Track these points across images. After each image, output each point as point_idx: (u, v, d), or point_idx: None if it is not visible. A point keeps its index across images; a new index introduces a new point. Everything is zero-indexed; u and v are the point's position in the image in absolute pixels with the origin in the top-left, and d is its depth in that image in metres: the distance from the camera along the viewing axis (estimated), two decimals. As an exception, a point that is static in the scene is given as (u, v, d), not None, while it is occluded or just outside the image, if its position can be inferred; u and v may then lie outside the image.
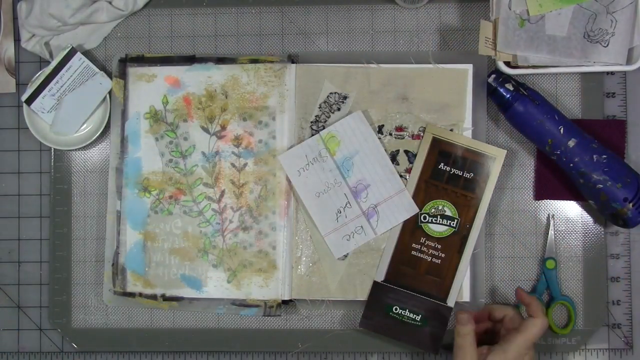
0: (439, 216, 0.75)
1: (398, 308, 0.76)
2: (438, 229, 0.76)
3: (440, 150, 0.77)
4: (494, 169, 0.76)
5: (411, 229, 0.77)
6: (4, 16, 0.84)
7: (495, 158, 0.76)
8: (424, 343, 0.76)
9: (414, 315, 0.76)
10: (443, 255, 0.75)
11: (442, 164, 0.76)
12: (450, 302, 0.75)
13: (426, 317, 0.76)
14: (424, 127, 0.79)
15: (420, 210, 0.76)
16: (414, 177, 0.77)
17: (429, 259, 0.76)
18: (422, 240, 0.76)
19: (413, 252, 0.76)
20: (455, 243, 0.75)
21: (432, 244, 0.76)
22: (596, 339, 0.79)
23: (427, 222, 0.76)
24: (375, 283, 0.77)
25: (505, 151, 0.76)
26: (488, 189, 0.75)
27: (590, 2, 0.75)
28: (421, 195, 0.77)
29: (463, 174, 0.75)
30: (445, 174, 0.76)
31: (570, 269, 0.80)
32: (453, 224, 0.75)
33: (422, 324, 0.76)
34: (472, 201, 0.75)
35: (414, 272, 0.76)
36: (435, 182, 0.76)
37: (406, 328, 0.76)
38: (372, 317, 0.77)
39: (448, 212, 0.75)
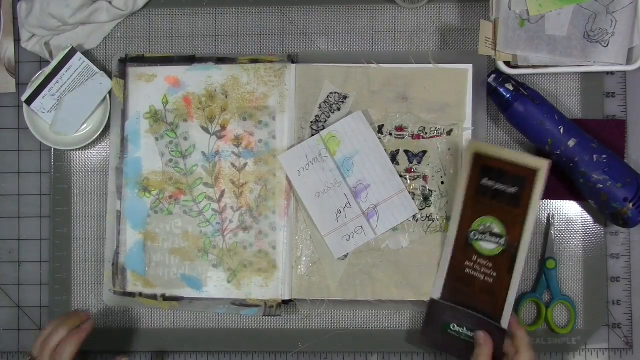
0: (487, 233, 0.73)
1: (455, 325, 0.74)
2: (488, 246, 0.73)
3: (483, 165, 0.74)
4: (538, 182, 0.71)
5: (462, 245, 0.75)
6: (4, 16, 0.84)
7: (538, 170, 0.71)
8: None
9: (472, 333, 0.73)
10: (494, 274, 0.72)
11: (486, 178, 0.73)
12: (504, 323, 0.71)
13: None
14: (424, 127, 0.79)
15: (470, 228, 0.74)
16: (459, 194, 0.75)
17: (482, 277, 0.73)
18: (474, 258, 0.74)
19: (467, 270, 0.74)
20: (505, 262, 0.72)
21: (484, 262, 0.73)
22: (596, 339, 0.79)
23: (477, 239, 0.73)
24: (432, 300, 0.76)
25: (548, 161, 0.71)
26: (533, 203, 0.71)
27: (590, 2, 0.75)
28: (469, 212, 0.74)
29: (507, 188, 0.72)
30: (490, 189, 0.73)
31: (570, 269, 0.80)
32: (502, 241, 0.72)
33: None
34: (517, 217, 0.72)
35: (469, 290, 0.74)
36: (480, 198, 0.74)
37: (464, 345, 0.74)
38: (431, 334, 0.76)
39: (496, 230, 0.72)
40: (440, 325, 0.75)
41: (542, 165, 0.70)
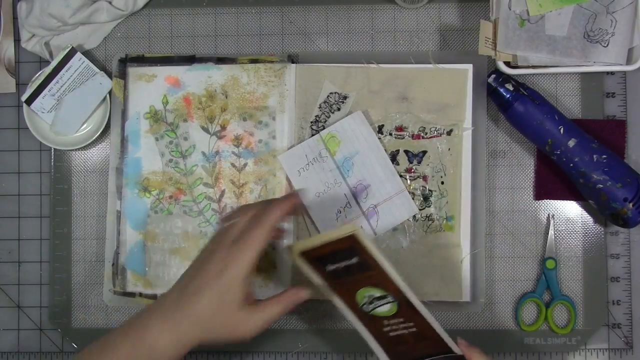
0: (374, 301, 0.67)
1: None
2: (384, 309, 0.67)
3: (315, 257, 0.66)
4: (364, 241, 0.63)
5: (368, 320, 0.69)
6: (4, 16, 0.84)
7: (354, 234, 0.63)
8: None
9: None
10: (411, 323, 0.68)
11: (328, 265, 0.67)
12: (456, 350, 0.68)
13: None
14: (424, 127, 0.79)
15: (359, 306, 0.68)
16: (325, 291, 0.68)
17: (406, 331, 0.68)
18: (385, 322, 0.68)
19: (391, 334, 0.69)
20: (408, 310, 0.67)
21: (395, 321, 0.68)
22: (596, 339, 0.79)
23: (372, 309, 0.68)
24: None
25: (357, 227, 0.63)
26: (378, 257, 0.64)
27: (590, 2, 0.75)
28: (345, 297, 0.68)
29: (349, 262, 0.66)
30: (339, 271, 0.66)
31: (570, 269, 0.80)
32: (390, 299, 0.67)
33: None
34: (380, 275, 0.65)
35: (408, 346, 0.69)
36: (339, 281, 0.67)
37: None
38: None
39: (377, 294, 0.67)
40: None
41: (354, 229, 0.63)
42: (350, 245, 0.64)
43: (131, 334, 0.62)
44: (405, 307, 0.67)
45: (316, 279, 0.68)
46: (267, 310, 0.63)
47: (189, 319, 0.61)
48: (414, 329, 0.67)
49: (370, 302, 0.67)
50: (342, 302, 0.69)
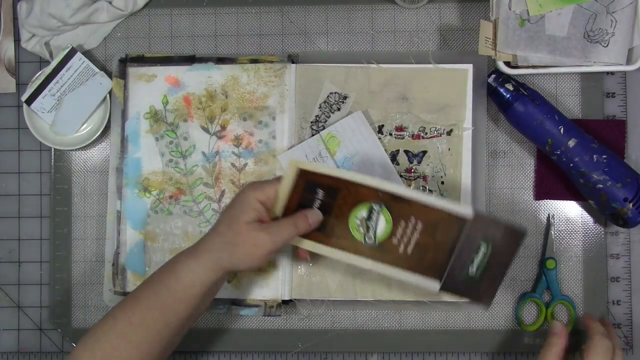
0: (366, 223, 0.66)
1: (483, 247, 0.65)
2: (382, 226, 0.66)
3: (307, 180, 0.66)
4: (313, 167, 0.65)
5: (382, 252, 0.67)
6: (4, 16, 0.84)
7: (297, 167, 0.65)
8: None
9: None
10: (414, 219, 0.65)
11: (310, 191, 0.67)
12: (465, 211, 0.63)
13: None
14: (424, 127, 0.79)
15: (364, 245, 0.66)
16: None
17: (417, 233, 0.65)
18: (395, 241, 0.66)
19: (409, 249, 0.66)
20: (402, 208, 0.64)
21: (400, 230, 0.66)
22: (596, 339, 0.79)
23: (375, 236, 0.66)
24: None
25: (296, 160, 0.66)
26: (333, 174, 0.64)
27: (590, 2, 0.75)
28: (346, 243, 0.67)
29: (316, 199, 0.67)
30: (324, 224, 0.67)
31: (570, 269, 0.80)
32: (376, 206, 0.65)
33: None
34: (348, 191, 0.65)
35: (431, 250, 0.65)
36: (331, 230, 0.67)
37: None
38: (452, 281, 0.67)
39: (361, 213, 0.66)
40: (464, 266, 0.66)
41: (295, 162, 0.65)
42: (306, 181, 0.65)
43: (164, 273, 0.67)
44: (396, 207, 0.65)
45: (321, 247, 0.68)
46: (276, 229, 0.65)
47: (207, 246, 0.66)
48: (421, 224, 0.65)
49: (366, 229, 0.66)
50: (348, 253, 0.67)
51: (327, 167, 0.65)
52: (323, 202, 0.66)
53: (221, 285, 0.70)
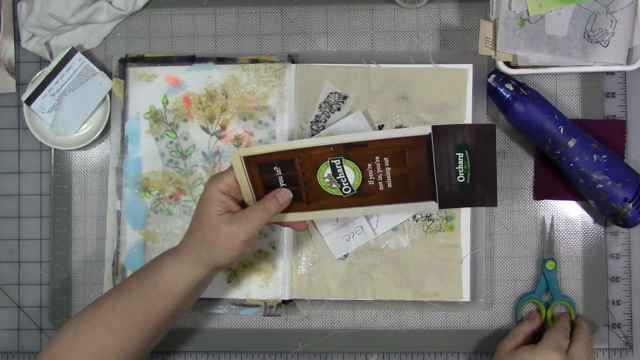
0: (334, 178, 0.66)
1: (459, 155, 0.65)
2: (352, 175, 0.66)
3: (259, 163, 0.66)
4: (260, 149, 0.66)
5: (362, 196, 0.67)
6: (4, 16, 0.84)
7: (240, 154, 0.66)
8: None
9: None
10: (377, 157, 0.65)
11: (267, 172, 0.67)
12: (423, 131, 0.63)
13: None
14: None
15: (344, 197, 0.67)
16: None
17: (386, 169, 0.66)
18: (370, 183, 0.66)
19: (389, 185, 0.66)
20: (360, 152, 0.65)
21: (369, 170, 0.66)
22: (596, 339, 0.79)
23: (350, 187, 0.66)
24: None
25: (237, 150, 0.67)
26: (282, 148, 0.65)
27: (590, 2, 0.75)
28: (330, 202, 0.68)
29: (277, 177, 0.67)
30: (296, 194, 0.68)
31: (570, 269, 0.80)
32: (336, 160, 0.65)
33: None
34: (304, 157, 0.65)
35: (408, 180, 0.66)
36: (308, 197, 0.68)
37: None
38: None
39: (326, 171, 0.66)
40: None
41: (236, 152, 0.65)
42: (258, 164, 0.66)
43: (149, 267, 0.68)
44: (355, 154, 0.65)
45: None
46: (247, 217, 0.65)
47: (186, 244, 0.67)
48: (387, 159, 0.65)
49: (339, 183, 0.66)
50: (334, 210, 0.68)
51: (265, 146, 0.66)
52: (285, 176, 0.67)
53: (208, 283, 0.70)
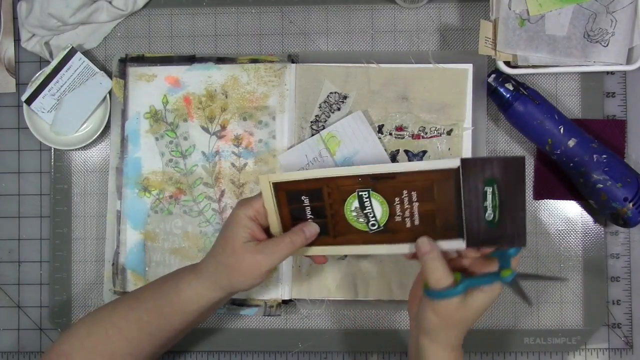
0: (361, 211, 0.65)
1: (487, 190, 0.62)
2: (379, 209, 0.64)
3: (287, 191, 0.66)
4: (287, 176, 0.65)
5: (390, 233, 0.65)
6: (4, 16, 0.84)
7: (270, 182, 0.66)
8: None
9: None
10: (405, 191, 0.63)
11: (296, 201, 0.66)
12: (451, 164, 0.60)
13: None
14: (424, 127, 0.79)
15: (369, 233, 0.65)
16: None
17: (413, 203, 0.63)
18: (397, 219, 0.64)
19: (416, 222, 0.64)
20: (387, 185, 0.63)
21: (397, 205, 0.64)
22: (596, 338, 0.79)
23: (377, 222, 0.65)
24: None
25: (266, 174, 0.66)
26: (308, 176, 0.64)
27: (590, 2, 0.75)
28: (356, 237, 0.66)
29: (305, 207, 0.66)
30: (323, 228, 0.67)
31: (570, 269, 0.80)
32: (364, 192, 0.64)
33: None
34: (332, 187, 0.64)
35: (436, 216, 0.63)
36: (335, 231, 0.67)
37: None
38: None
39: (353, 203, 0.65)
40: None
41: (266, 177, 0.65)
42: (287, 192, 0.65)
43: (167, 282, 0.68)
44: (383, 187, 0.63)
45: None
46: (273, 248, 0.64)
47: (207, 267, 0.66)
48: (415, 193, 0.63)
49: (365, 218, 0.65)
50: (359, 246, 0.66)
51: (296, 173, 0.65)
52: (312, 206, 0.66)
53: (223, 302, 0.70)
